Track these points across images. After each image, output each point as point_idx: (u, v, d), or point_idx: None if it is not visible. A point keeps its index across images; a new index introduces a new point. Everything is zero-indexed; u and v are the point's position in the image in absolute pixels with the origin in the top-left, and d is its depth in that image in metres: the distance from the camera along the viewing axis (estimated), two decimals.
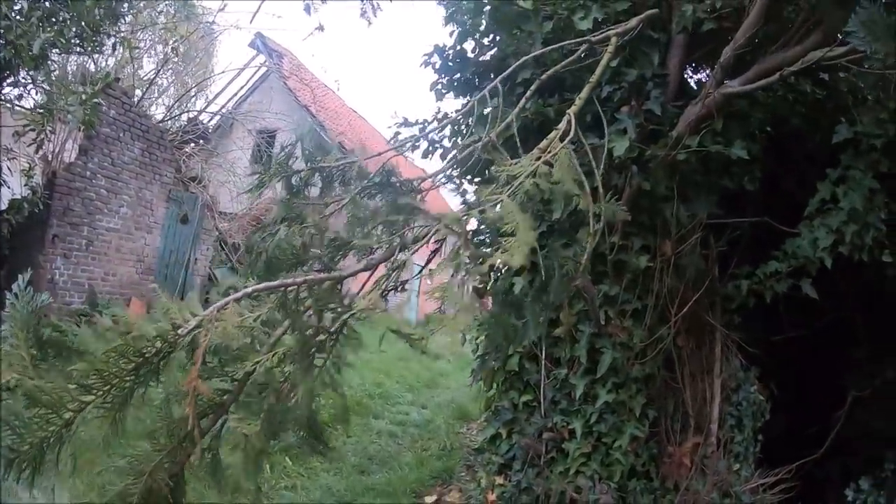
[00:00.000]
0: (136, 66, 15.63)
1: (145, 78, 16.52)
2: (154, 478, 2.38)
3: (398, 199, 3.23)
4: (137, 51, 14.80)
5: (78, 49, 10.34)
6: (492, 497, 5.37)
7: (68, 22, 9.56)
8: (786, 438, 5.81)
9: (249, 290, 2.42)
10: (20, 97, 9.62)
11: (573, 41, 3.92)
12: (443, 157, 6.07)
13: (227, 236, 15.82)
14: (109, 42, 11.11)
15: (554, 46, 4.02)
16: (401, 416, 10.93)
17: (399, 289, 3.14)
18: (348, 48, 55.29)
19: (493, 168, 2.70)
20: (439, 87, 6.23)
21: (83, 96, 9.56)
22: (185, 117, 17.60)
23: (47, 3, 9.60)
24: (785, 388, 5.85)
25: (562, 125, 2.77)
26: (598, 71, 3.41)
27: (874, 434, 5.77)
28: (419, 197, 3.52)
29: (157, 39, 15.38)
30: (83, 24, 9.70)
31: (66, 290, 11.69)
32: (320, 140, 18.55)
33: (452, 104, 25.29)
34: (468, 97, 6.25)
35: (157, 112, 17.03)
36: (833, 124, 4.41)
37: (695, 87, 5.26)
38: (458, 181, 4.93)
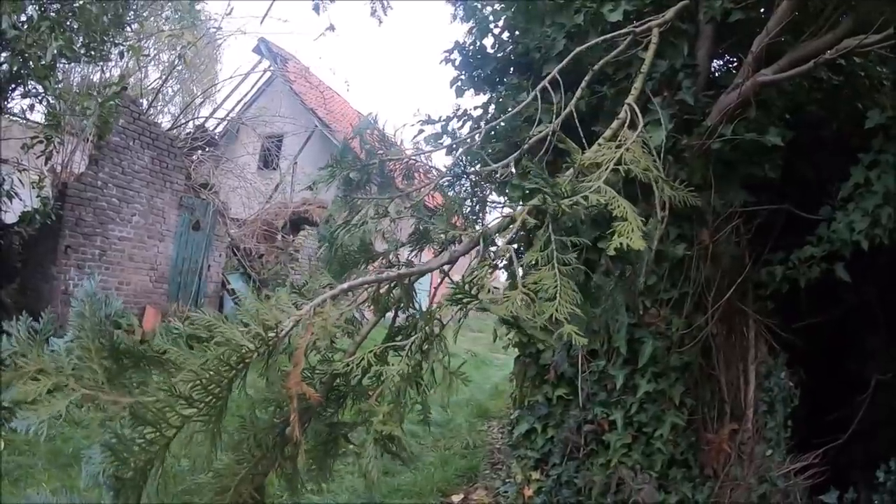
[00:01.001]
0: (142, 74, 15.70)
1: (151, 87, 16.59)
2: (239, 492, 2.29)
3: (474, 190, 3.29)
4: (144, 59, 14.88)
5: (85, 58, 10.40)
6: (529, 492, 5.44)
7: (77, 31, 9.62)
8: (809, 423, 5.87)
9: (346, 286, 2.37)
10: (32, 107, 9.64)
11: (616, 34, 3.97)
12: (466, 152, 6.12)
13: (238, 242, 15.88)
14: (116, 51, 11.16)
15: (597, 40, 4.06)
16: (420, 415, 10.89)
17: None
18: (356, 49, 55.29)
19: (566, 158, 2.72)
20: (459, 83, 6.30)
21: (100, 99, 9.61)
22: (191, 125, 17.65)
23: (54, 13, 9.68)
24: (808, 374, 5.93)
25: (622, 114, 2.82)
26: (647, 61, 3.47)
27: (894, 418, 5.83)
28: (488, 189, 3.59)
29: (162, 47, 15.45)
30: (91, 32, 9.77)
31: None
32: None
33: (472, 101, 25.38)
34: (489, 93, 6.33)
35: (164, 120, 17.12)
36: (850, 111, 4.48)
37: (720, 78, 5.31)
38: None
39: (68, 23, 9.59)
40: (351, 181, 3.42)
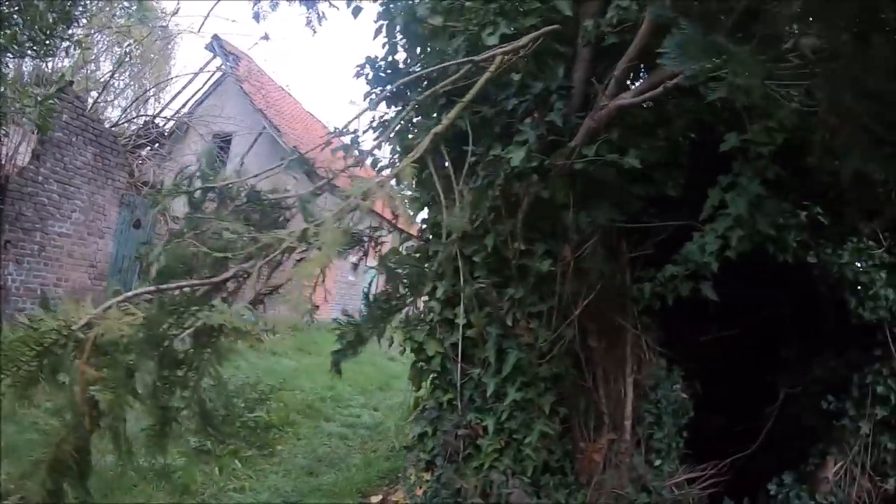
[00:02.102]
0: (92, 68, 15.74)
1: (101, 80, 16.62)
2: (61, 449, 2.72)
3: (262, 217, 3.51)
4: (93, 53, 14.93)
5: (31, 53, 10.45)
6: (419, 492, 5.62)
7: (21, 26, 9.66)
8: (721, 435, 6.06)
9: (130, 294, 2.73)
10: None
11: (458, 61, 4.17)
12: (373, 165, 6.28)
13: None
14: (63, 45, 11.21)
15: (444, 65, 4.27)
16: (352, 418, 11.18)
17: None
18: (305, 51, 55.45)
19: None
20: (373, 97, 6.44)
21: (39, 98, 9.68)
22: (141, 120, 17.70)
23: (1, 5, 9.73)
24: (719, 386, 6.09)
25: (425, 143, 3.01)
26: (472, 91, 3.67)
27: (805, 430, 6.00)
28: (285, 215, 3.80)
29: (113, 42, 15.49)
30: (36, 27, 9.82)
31: (18, 297, 11.79)
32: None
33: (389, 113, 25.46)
34: (400, 107, 6.48)
35: (113, 114, 17.15)
36: (730, 131, 4.66)
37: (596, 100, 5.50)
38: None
39: (12, 18, 9.64)
40: (193, 202, 3.63)
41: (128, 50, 14.23)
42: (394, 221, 5.56)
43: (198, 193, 3.69)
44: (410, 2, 5.52)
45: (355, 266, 25.37)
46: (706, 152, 5.09)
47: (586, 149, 4.49)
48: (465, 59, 4.14)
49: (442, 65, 4.44)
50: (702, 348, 5.98)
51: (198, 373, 2.87)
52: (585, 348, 5.20)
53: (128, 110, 17.09)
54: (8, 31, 9.13)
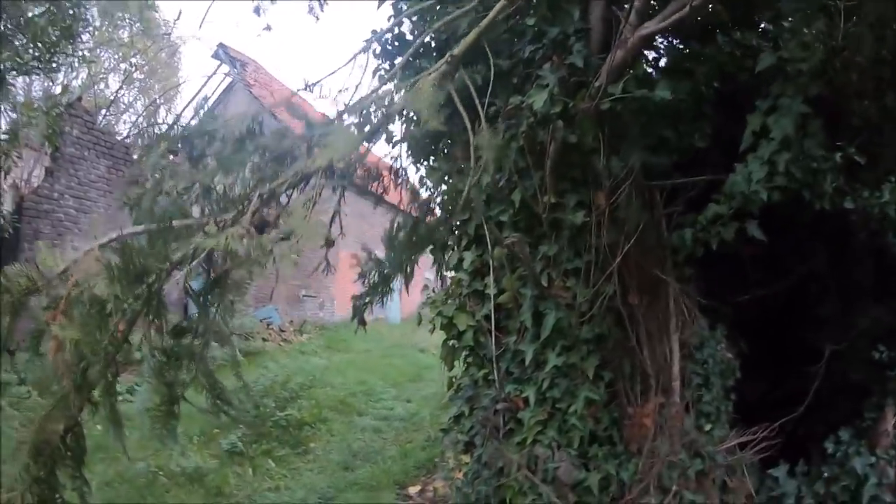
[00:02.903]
0: (99, 82, 15.67)
1: (110, 96, 16.57)
2: (46, 427, 2.44)
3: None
4: (101, 69, 14.83)
5: (36, 71, 10.35)
6: (459, 476, 5.32)
7: (25, 44, 9.58)
8: (766, 398, 5.80)
9: (111, 237, 2.52)
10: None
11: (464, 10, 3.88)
12: (388, 140, 6.00)
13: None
14: (68, 61, 11.13)
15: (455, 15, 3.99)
16: (385, 411, 10.97)
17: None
18: (310, 45, 55.51)
19: None
20: (382, 72, 6.15)
21: (44, 110, 9.60)
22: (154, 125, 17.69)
23: (4, 24, 9.63)
24: (760, 348, 5.81)
25: (440, 65, 2.71)
26: (487, 20, 3.36)
27: (853, 386, 5.72)
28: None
29: (119, 58, 15.42)
30: (40, 45, 9.72)
31: None
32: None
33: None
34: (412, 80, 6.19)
35: (124, 128, 17.09)
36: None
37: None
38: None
39: (15, 36, 9.56)
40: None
41: (134, 63, 14.07)
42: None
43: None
44: None
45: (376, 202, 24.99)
46: (732, 104, 4.85)
47: (612, 87, 4.14)
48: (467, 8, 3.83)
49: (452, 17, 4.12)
50: (740, 309, 5.62)
51: (203, 339, 2.60)
52: (627, 305, 4.83)
53: (138, 121, 16.99)
54: (9, 51, 8.99)
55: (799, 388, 5.66)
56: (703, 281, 5.40)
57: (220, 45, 19.50)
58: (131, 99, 18.15)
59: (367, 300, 5.22)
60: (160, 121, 18.61)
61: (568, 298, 4.63)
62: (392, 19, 6.04)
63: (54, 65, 10.57)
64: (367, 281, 5.17)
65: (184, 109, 20.40)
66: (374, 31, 6.00)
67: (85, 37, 12.18)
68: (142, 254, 2.41)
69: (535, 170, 4.49)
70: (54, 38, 10.12)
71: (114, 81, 16.94)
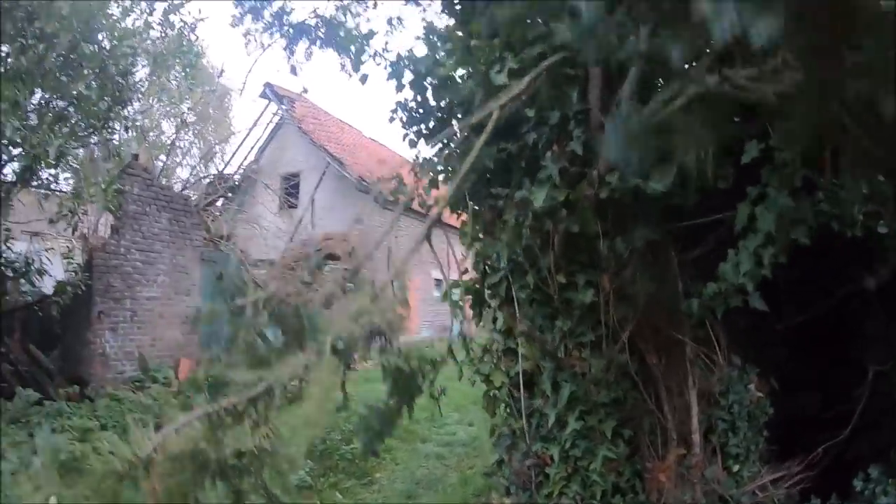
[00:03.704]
0: (154, 132, 16.42)
1: (166, 143, 17.38)
2: None
3: None
4: (153, 117, 15.60)
5: (92, 140, 11.10)
6: None
7: (78, 121, 10.29)
8: (811, 423, 5.91)
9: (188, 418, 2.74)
10: (46, 197, 10.32)
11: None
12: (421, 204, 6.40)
13: (262, 286, 16.47)
14: (121, 126, 11.88)
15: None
16: (448, 436, 11.39)
17: None
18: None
19: None
20: (411, 138, 6.58)
21: (103, 185, 10.26)
22: (212, 172, 18.44)
23: (57, 101, 10.34)
24: (804, 372, 6.05)
25: (454, 185, 3.02)
26: (477, 146, 3.70)
27: None
28: None
29: (171, 107, 16.16)
30: (92, 119, 10.42)
31: (118, 361, 12.52)
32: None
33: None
34: (440, 143, 6.61)
35: (182, 173, 17.86)
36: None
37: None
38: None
39: (69, 113, 10.26)
40: None
41: (187, 112, 14.79)
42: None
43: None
44: (421, 56, 5.58)
45: (439, 282, 25.64)
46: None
47: (609, 176, 4.45)
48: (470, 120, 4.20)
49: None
50: (780, 335, 5.82)
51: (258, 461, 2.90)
52: (643, 368, 5.17)
53: (196, 169, 17.79)
54: (66, 128, 9.68)
55: (844, 411, 5.80)
56: (735, 313, 5.28)
57: (267, 85, 20.22)
58: (188, 144, 18.99)
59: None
60: (216, 165, 19.43)
61: (583, 368, 5.02)
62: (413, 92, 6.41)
63: (108, 134, 11.35)
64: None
65: (236, 151, 21.21)
66: (398, 103, 6.41)
67: (136, 101, 13.01)
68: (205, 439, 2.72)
69: (544, 254, 4.87)
70: (106, 108, 10.86)
71: (167, 127, 17.77)
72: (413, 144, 6.62)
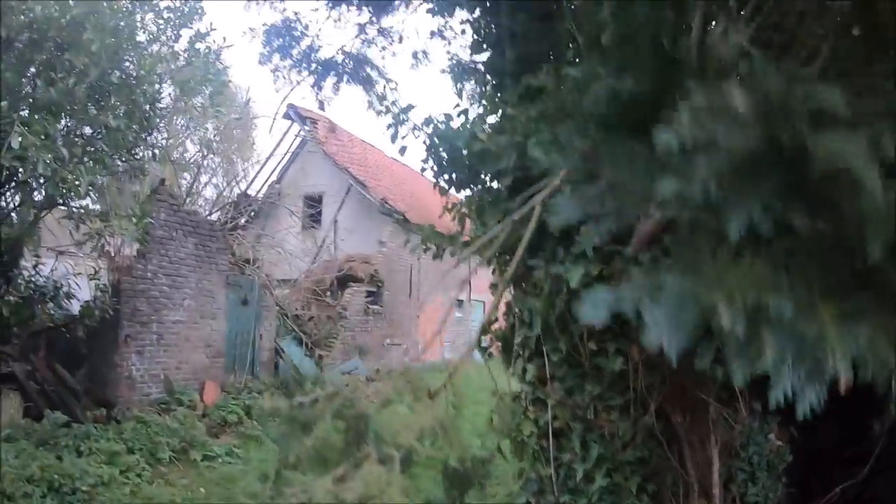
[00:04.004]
0: (179, 152, 16.75)
1: (190, 161, 17.72)
2: None
3: None
4: (176, 136, 15.92)
5: (120, 167, 11.38)
6: None
7: (106, 152, 10.55)
8: (833, 460, 6.22)
9: None
10: (77, 226, 10.57)
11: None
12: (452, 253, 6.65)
13: (287, 307, 16.83)
14: (149, 152, 12.18)
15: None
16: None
17: None
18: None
19: None
20: (442, 183, 6.82)
21: (134, 219, 10.54)
22: (235, 191, 18.77)
23: (84, 129, 10.62)
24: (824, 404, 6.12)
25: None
26: (526, 236, 3.94)
27: None
28: None
29: (195, 131, 16.47)
30: (121, 150, 10.72)
31: (144, 383, 12.86)
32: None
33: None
34: (469, 189, 6.84)
35: (206, 190, 18.18)
36: None
37: None
38: None
39: (97, 143, 10.53)
40: None
41: (212, 138, 15.10)
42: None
43: None
44: (456, 131, 5.80)
45: (461, 303, 26.03)
46: None
47: (642, 255, 4.69)
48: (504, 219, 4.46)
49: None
50: None
51: None
52: (668, 428, 5.42)
53: (220, 189, 18.12)
54: (93, 168, 9.92)
55: (861, 451, 6.03)
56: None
57: (290, 106, 20.50)
58: (213, 165, 19.36)
59: None
60: (239, 185, 19.76)
61: (611, 429, 5.27)
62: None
63: (136, 163, 11.65)
64: None
65: (259, 171, 21.58)
66: (429, 152, 6.65)
67: (162, 125, 13.29)
68: None
69: (574, 321, 5.14)
70: (132, 142, 11.16)
71: (191, 146, 18.12)
72: (444, 192, 6.88)
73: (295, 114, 21.04)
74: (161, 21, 12.29)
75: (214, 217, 17.03)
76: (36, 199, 10.52)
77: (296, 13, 9.16)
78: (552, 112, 5.06)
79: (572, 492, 5.55)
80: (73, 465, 9.46)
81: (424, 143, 6.33)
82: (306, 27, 9.13)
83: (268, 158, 21.70)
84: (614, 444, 5.23)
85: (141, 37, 11.62)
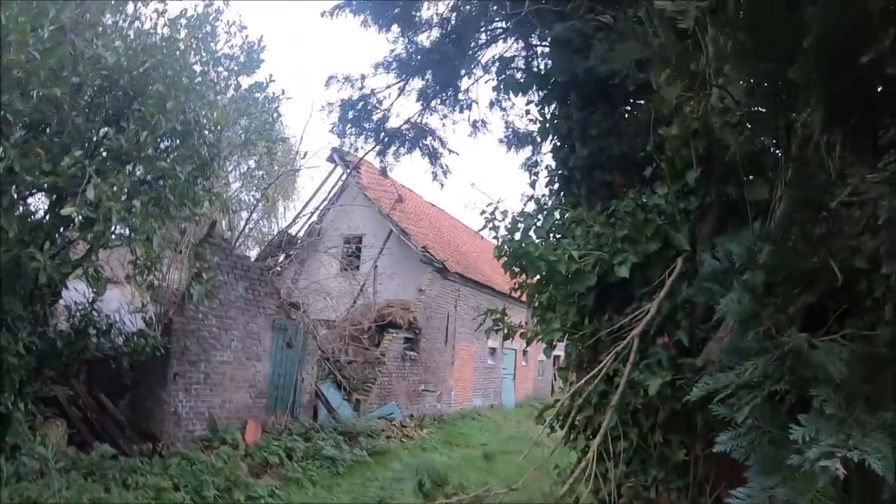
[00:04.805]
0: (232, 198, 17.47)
1: (237, 200, 18.47)
2: None
3: None
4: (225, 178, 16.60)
5: (182, 215, 11.89)
6: None
7: (172, 199, 10.94)
8: None
9: None
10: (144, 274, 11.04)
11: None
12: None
13: (328, 351, 17.48)
14: (208, 201, 12.69)
15: None
16: None
17: None
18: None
19: None
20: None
21: (205, 276, 11.24)
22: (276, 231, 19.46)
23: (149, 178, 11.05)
24: None
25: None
26: (626, 372, 4.58)
27: None
28: None
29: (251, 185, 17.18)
30: (184, 199, 11.14)
31: (189, 420, 13.55)
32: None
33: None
34: None
35: (254, 234, 18.84)
36: None
37: None
38: None
39: (164, 194, 10.93)
40: None
41: (266, 189, 15.81)
42: None
43: None
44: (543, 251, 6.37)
45: (493, 350, 26.80)
46: None
47: (711, 367, 5.28)
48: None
49: None
50: None
51: None
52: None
53: (262, 229, 18.74)
54: (161, 207, 10.38)
55: None
56: None
57: (334, 149, 21.25)
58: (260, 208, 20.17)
59: None
60: (281, 224, 20.44)
61: None
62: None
63: (194, 210, 12.07)
64: None
65: (300, 212, 22.38)
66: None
67: (220, 172, 13.84)
68: None
69: (646, 418, 5.80)
70: (194, 191, 11.50)
71: (234, 181, 18.88)
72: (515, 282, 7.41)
73: (338, 157, 21.75)
74: (222, 69, 12.92)
75: (256, 254, 17.66)
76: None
77: (372, 90, 9.80)
78: (634, 235, 5.79)
79: None
80: (121, 498, 9.97)
81: (497, 239, 6.95)
82: (380, 102, 9.81)
83: (309, 200, 22.52)
84: None
85: (204, 87, 11.94)
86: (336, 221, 22.97)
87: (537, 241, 6.77)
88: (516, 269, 6.76)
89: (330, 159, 21.90)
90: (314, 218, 22.80)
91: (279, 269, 18.77)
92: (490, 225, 7.03)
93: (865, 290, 3.84)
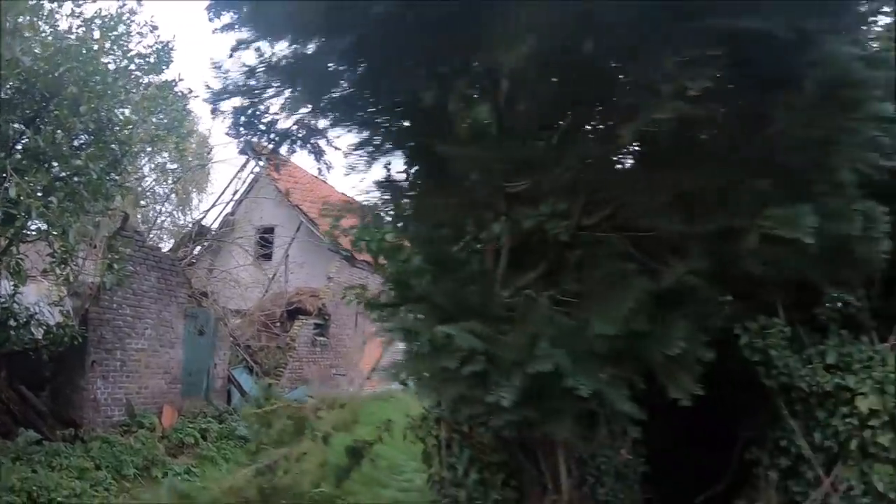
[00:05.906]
0: (141, 186, 19.14)
1: (149, 191, 20.16)
2: None
3: None
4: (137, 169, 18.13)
5: (95, 209, 13.23)
6: None
7: (86, 195, 12.09)
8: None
9: None
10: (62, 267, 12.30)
11: None
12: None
13: (239, 337, 19.31)
14: (121, 195, 14.16)
15: None
16: (406, 483, 13.52)
17: None
18: None
19: None
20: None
21: (115, 266, 12.98)
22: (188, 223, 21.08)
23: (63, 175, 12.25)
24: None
25: None
26: None
27: None
28: None
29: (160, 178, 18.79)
30: (97, 194, 12.37)
31: (107, 406, 15.18)
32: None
33: None
34: None
35: (162, 219, 20.41)
36: None
37: None
38: None
39: (79, 188, 12.07)
40: None
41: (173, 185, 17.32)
42: None
43: None
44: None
45: None
46: None
47: None
48: None
49: None
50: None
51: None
52: (526, 440, 8.08)
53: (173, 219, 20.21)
54: (76, 203, 11.73)
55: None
56: None
57: (245, 143, 22.72)
58: (169, 195, 21.73)
59: None
60: (193, 215, 21.95)
61: (480, 438, 8.03)
62: None
63: (109, 203, 13.49)
64: None
65: (214, 203, 24.06)
66: None
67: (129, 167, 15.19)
68: None
69: None
70: (109, 184, 12.86)
71: (154, 183, 20.47)
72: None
73: (250, 149, 23.19)
74: (134, 68, 14.41)
75: (169, 246, 19.23)
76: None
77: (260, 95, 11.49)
78: None
79: (457, 485, 8.26)
80: (48, 478, 11.26)
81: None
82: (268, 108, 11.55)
83: (222, 192, 24.12)
84: (482, 450, 7.96)
85: (116, 86, 13.23)
86: (249, 213, 24.75)
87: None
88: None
89: (242, 152, 23.32)
90: (227, 209, 24.77)
91: (192, 259, 20.44)
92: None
93: None
